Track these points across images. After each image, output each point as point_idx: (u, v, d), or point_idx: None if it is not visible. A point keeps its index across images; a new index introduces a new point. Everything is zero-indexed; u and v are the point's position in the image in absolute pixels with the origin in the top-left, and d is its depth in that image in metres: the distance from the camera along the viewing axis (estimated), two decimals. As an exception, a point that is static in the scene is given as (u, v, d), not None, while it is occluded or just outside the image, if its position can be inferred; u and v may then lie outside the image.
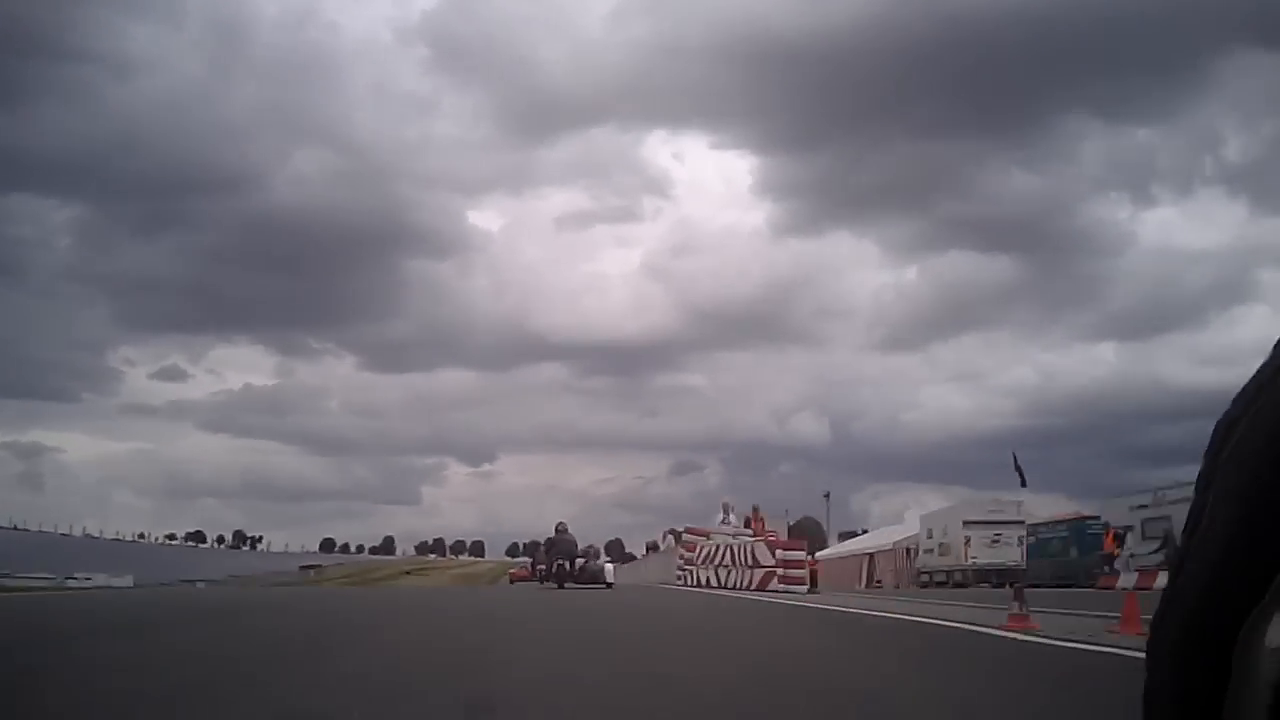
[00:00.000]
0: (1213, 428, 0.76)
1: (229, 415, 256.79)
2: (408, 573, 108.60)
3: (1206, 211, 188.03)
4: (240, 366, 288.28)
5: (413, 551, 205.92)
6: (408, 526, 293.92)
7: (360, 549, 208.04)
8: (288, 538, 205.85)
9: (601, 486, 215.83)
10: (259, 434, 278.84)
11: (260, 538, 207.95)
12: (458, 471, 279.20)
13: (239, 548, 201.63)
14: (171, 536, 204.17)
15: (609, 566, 20.58)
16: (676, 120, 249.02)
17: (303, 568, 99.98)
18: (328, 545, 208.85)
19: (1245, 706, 0.68)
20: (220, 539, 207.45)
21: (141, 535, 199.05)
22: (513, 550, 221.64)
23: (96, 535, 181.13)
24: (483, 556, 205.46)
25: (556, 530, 21.55)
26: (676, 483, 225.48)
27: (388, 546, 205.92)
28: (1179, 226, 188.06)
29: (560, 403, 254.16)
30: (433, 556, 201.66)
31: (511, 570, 43.77)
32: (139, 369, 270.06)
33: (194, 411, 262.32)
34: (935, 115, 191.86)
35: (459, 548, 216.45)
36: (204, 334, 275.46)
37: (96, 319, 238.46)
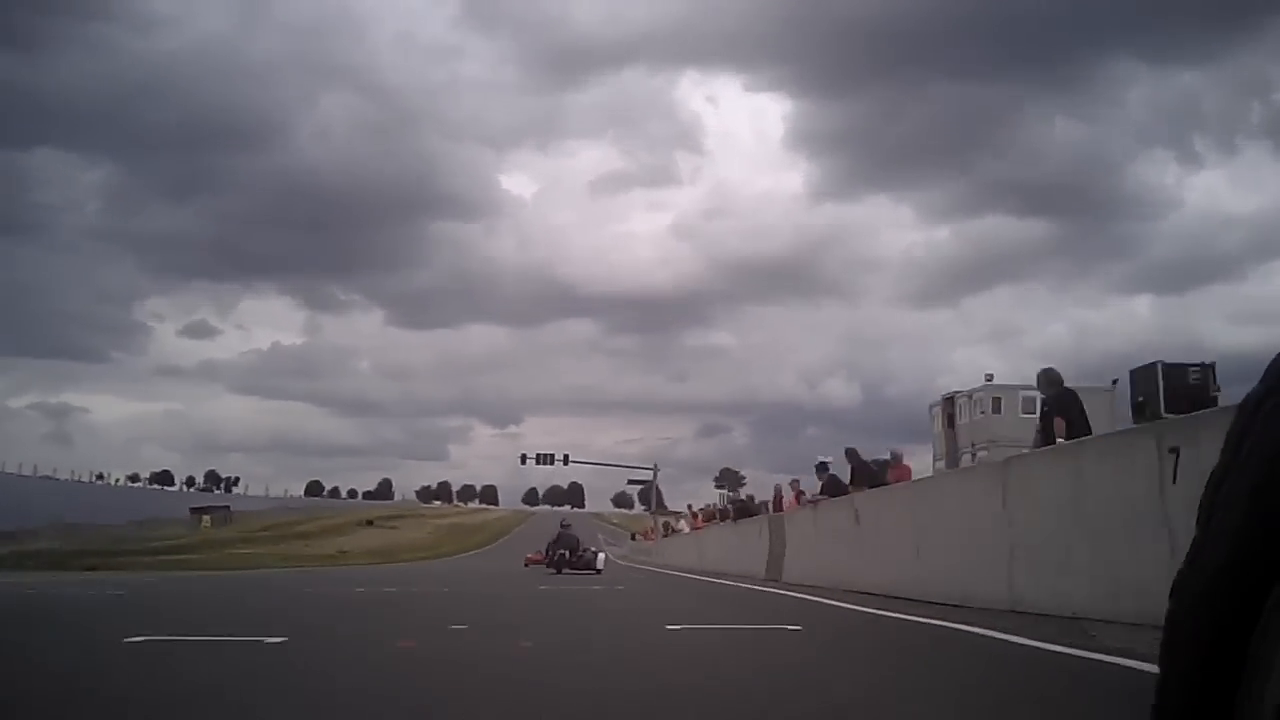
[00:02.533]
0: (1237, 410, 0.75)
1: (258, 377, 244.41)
2: (370, 523, 76.41)
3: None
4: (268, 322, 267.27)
5: (413, 498, 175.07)
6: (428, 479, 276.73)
7: (353, 494, 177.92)
8: (272, 482, 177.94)
9: (627, 446, 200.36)
10: (289, 395, 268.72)
11: (236, 479, 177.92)
12: (483, 433, 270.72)
13: (211, 490, 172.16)
14: (134, 478, 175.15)
15: (600, 555, 23.16)
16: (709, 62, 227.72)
17: (195, 510, 67.58)
18: (314, 489, 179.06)
19: (1257, 709, 0.67)
20: (190, 481, 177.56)
21: (100, 476, 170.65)
22: (530, 498, 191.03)
23: (50, 475, 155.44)
24: (495, 505, 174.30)
25: (561, 526, 23.77)
26: (703, 444, 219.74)
27: (384, 491, 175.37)
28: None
29: (588, 365, 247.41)
30: (437, 504, 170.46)
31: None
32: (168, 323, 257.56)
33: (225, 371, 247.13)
34: (978, 60, 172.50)
35: (468, 494, 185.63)
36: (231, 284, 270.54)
37: (123, 272, 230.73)
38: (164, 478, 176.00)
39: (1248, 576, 0.69)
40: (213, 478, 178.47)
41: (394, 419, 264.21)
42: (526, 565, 29.39)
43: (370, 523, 77.98)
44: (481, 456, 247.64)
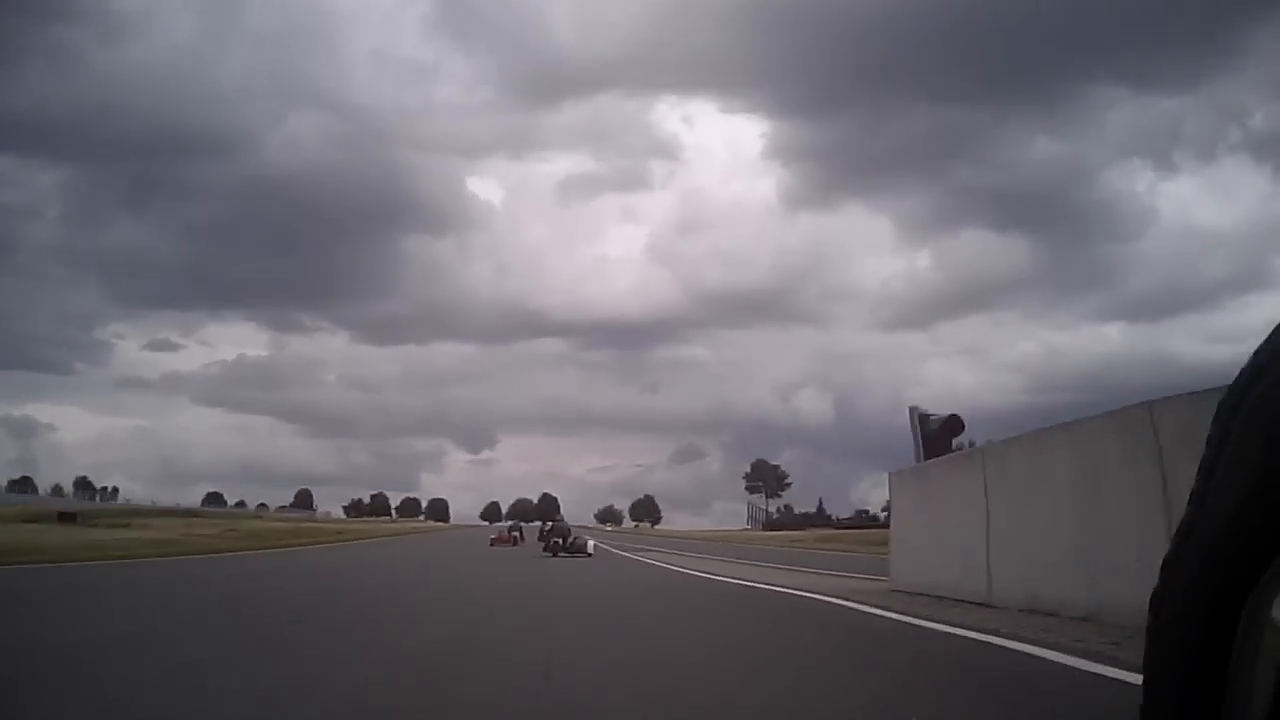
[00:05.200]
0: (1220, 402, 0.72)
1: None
2: (69, 517, 37.69)
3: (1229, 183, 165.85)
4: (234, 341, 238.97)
5: (339, 512, 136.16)
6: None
7: (263, 506, 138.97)
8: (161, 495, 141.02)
9: (599, 475, 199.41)
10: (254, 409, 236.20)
11: (115, 489, 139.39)
12: (457, 458, 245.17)
13: (80, 496, 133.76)
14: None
15: (590, 541, 24.68)
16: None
17: None
18: (214, 499, 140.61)
19: (1248, 683, 0.64)
20: (57, 489, 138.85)
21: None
22: (491, 513, 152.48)
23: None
24: (446, 521, 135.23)
25: (551, 522, 26.81)
26: (677, 470, 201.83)
27: (304, 502, 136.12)
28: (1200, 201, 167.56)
29: (561, 381, 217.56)
30: (370, 519, 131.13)
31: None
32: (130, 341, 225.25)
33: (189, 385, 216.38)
34: (958, 81, 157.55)
35: (410, 508, 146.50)
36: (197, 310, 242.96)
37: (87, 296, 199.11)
38: (23, 484, 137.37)
39: (1242, 557, 0.66)
40: (84, 484, 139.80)
41: (364, 442, 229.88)
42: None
43: (69, 517, 39.31)
44: (454, 485, 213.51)
